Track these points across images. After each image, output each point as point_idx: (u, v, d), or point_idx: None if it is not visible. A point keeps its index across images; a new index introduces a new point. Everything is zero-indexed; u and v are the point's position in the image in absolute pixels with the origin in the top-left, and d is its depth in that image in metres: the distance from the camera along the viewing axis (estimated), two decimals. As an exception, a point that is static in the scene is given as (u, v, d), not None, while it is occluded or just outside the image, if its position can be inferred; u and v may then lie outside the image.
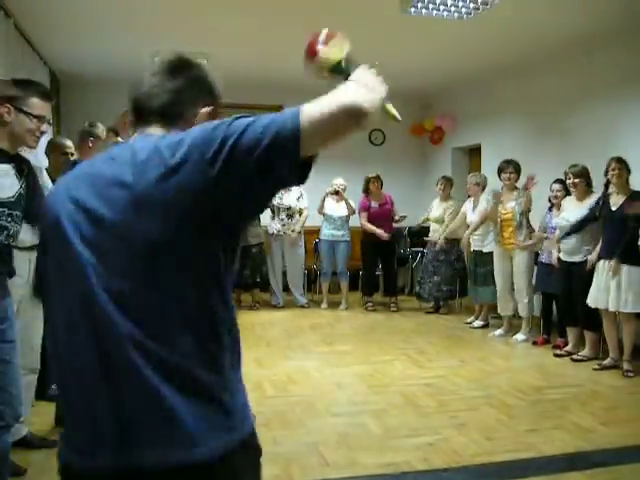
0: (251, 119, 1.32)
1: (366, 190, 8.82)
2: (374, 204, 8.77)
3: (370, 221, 8.72)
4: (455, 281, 8.43)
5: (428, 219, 8.62)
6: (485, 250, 7.50)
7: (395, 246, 9.16)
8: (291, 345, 6.68)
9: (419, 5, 5.75)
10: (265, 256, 8.83)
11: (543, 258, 6.72)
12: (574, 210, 6.15)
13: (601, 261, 5.69)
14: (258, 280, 8.73)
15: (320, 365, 5.87)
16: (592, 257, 5.95)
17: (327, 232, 8.87)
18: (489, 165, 8.72)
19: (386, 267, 8.96)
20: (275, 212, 8.73)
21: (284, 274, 9.06)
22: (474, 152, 10.16)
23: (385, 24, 6.68)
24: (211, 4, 6.16)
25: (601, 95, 7.15)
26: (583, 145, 7.28)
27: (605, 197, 5.71)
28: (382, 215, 8.71)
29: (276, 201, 8.63)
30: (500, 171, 7.11)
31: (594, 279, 5.76)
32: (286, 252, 8.86)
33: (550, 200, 6.67)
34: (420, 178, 11.05)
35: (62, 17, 6.54)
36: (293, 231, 8.74)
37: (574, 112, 7.59)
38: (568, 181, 6.15)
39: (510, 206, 6.96)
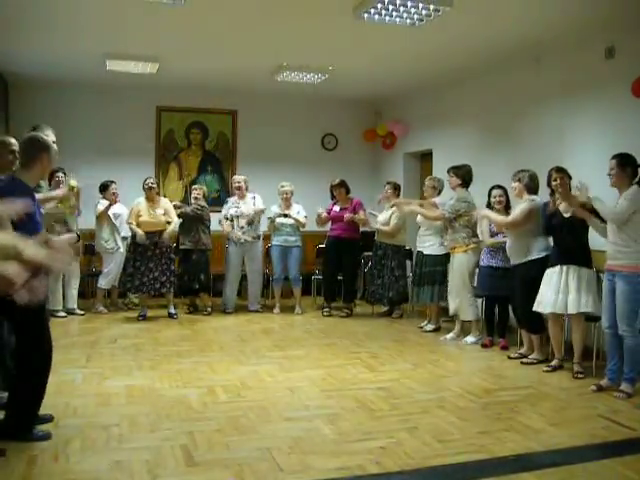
0: None
1: (333, 196, 8.88)
2: (336, 207, 8.80)
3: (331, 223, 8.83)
4: (393, 287, 8.40)
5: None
6: (426, 252, 7.62)
7: (356, 252, 9.04)
8: (244, 350, 6.62)
9: (372, 11, 5.78)
10: (207, 263, 8.67)
11: (486, 262, 6.79)
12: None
13: (557, 267, 5.73)
14: (197, 287, 8.64)
15: (273, 370, 5.84)
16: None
17: (279, 238, 8.85)
18: (440, 170, 8.79)
19: (346, 272, 8.85)
20: (234, 221, 8.68)
21: (242, 280, 9.02)
22: (426, 157, 10.23)
23: (339, 30, 6.69)
24: (163, 8, 6.08)
25: (551, 100, 7.27)
26: (533, 150, 7.40)
27: (554, 205, 5.77)
28: (339, 218, 8.69)
29: (233, 211, 8.67)
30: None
31: (544, 284, 5.82)
32: (247, 258, 8.82)
33: (491, 205, 6.71)
34: (372, 183, 11.09)
35: (10, 18, 6.39)
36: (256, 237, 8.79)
37: (524, 117, 7.70)
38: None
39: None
